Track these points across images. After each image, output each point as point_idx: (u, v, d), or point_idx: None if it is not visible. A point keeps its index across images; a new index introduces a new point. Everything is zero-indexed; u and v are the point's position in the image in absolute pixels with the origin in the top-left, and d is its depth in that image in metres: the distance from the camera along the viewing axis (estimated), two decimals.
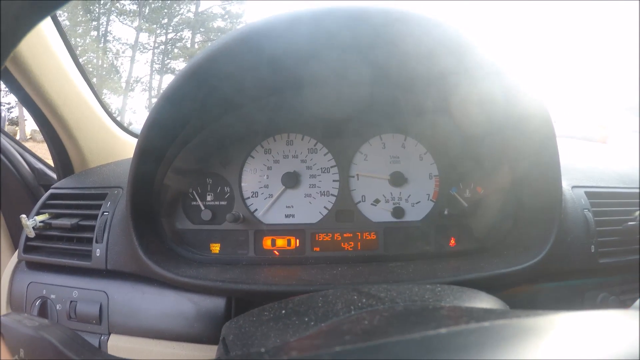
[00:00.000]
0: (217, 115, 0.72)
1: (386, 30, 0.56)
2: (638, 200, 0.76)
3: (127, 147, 0.97)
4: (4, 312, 0.79)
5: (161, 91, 0.60)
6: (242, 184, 0.76)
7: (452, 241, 0.77)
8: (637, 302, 0.44)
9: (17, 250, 0.80)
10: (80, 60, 0.90)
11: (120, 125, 0.97)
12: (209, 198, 0.76)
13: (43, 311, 0.72)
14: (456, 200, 0.78)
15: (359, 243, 0.75)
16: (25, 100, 0.79)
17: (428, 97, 0.72)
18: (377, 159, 0.77)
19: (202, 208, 0.75)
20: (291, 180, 0.75)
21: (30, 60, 0.74)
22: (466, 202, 0.78)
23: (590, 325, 0.25)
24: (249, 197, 0.76)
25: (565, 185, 0.72)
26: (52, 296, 0.73)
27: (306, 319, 0.40)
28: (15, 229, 0.99)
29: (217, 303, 0.65)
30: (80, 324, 0.68)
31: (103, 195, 0.76)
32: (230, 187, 0.76)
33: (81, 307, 0.70)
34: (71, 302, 0.71)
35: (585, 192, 0.72)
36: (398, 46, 0.60)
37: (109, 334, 0.66)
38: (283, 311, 0.44)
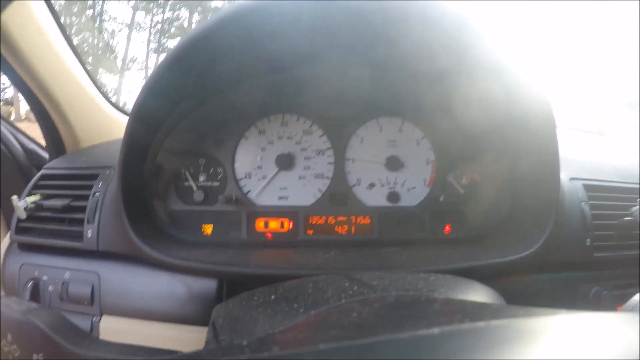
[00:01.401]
0: (212, 94, 0.70)
1: (388, 13, 0.55)
2: (636, 196, 0.75)
3: (120, 126, 0.95)
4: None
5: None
6: (236, 165, 0.75)
7: (447, 228, 0.77)
8: (633, 299, 0.43)
9: (9, 232, 0.79)
10: (75, 39, 0.88)
11: (113, 104, 0.96)
12: (201, 179, 0.75)
13: (35, 293, 0.71)
14: (452, 187, 0.77)
15: (352, 227, 0.74)
16: (14, 79, 0.77)
17: (427, 82, 0.71)
18: (374, 142, 0.76)
19: (195, 189, 0.74)
20: (285, 162, 0.74)
21: (19, 38, 0.72)
22: (462, 189, 0.77)
23: (587, 327, 0.24)
24: (242, 178, 0.75)
25: (564, 176, 0.71)
26: (45, 277, 0.72)
27: (295, 306, 0.39)
28: (8, 211, 0.98)
29: (208, 285, 0.64)
30: (72, 305, 0.67)
31: (95, 175, 0.75)
32: (224, 168, 0.75)
33: (73, 288, 0.69)
34: (63, 283, 0.70)
35: (583, 185, 0.71)
36: (400, 30, 0.59)
37: (101, 315, 0.65)
38: (272, 296, 0.43)
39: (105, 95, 0.93)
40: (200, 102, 0.71)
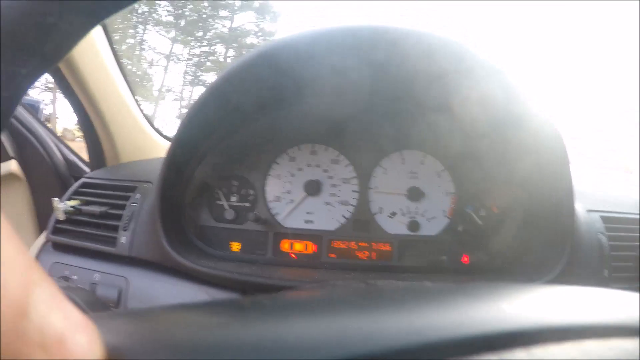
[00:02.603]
0: (247, 122, 0.76)
1: (414, 50, 0.60)
2: None
3: (157, 147, 1.02)
4: None
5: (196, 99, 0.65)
6: (266, 188, 0.79)
7: (465, 257, 0.79)
8: None
9: (46, 231, 0.84)
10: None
11: (152, 126, 1.02)
12: (233, 199, 0.80)
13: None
14: (471, 217, 0.80)
15: (373, 253, 0.78)
16: (70, 96, 0.84)
17: (449, 117, 0.76)
18: (396, 173, 0.80)
19: (226, 208, 0.79)
20: (313, 188, 0.78)
21: (78, 58, 0.79)
22: (481, 221, 0.80)
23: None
24: (271, 201, 0.79)
25: (581, 208, 0.72)
26: (74, 277, 0.77)
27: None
28: (42, 213, 1.04)
29: (230, 297, 0.68)
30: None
31: (133, 187, 0.81)
32: (255, 190, 0.80)
33: (101, 290, 0.74)
34: (91, 284, 0.75)
35: (601, 217, 0.73)
36: (424, 65, 0.64)
37: None
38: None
39: (145, 117, 1.00)
40: (236, 130, 0.77)
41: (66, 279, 0.77)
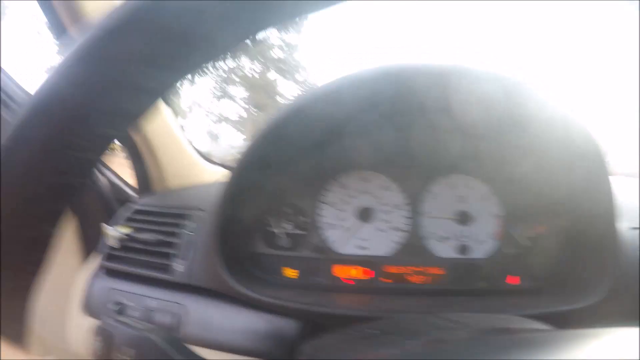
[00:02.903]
0: (304, 153, 0.78)
1: (468, 87, 0.62)
2: None
3: (204, 172, 1.04)
4: (77, 314, 0.85)
5: (252, 129, 0.68)
6: (319, 215, 0.81)
7: (514, 279, 0.81)
8: None
9: (98, 257, 0.86)
10: None
11: (197, 151, 1.04)
12: (287, 226, 0.82)
13: (120, 316, 0.78)
14: (518, 239, 0.82)
15: (426, 277, 0.80)
16: None
17: (492, 141, 0.77)
18: (445, 198, 0.82)
19: (280, 235, 0.81)
20: (365, 215, 0.80)
21: None
22: (527, 242, 0.82)
23: None
24: (325, 228, 0.81)
25: (624, 226, 0.72)
26: (130, 303, 0.79)
27: (396, 338, 0.44)
28: (87, 236, 1.06)
29: (289, 323, 0.70)
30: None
31: (186, 215, 0.83)
32: (308, 217, 0.81)
33: (158, 316, 0.76)
34: (148, 310, 0.77)
35: None
36: (472, 97, 0.66)
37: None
38: (372, 331, 0.49)
39: (190, 142, 1.01)
40: (291, 162, 0.79)
41: (122, 308, 0.79)
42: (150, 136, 0.90)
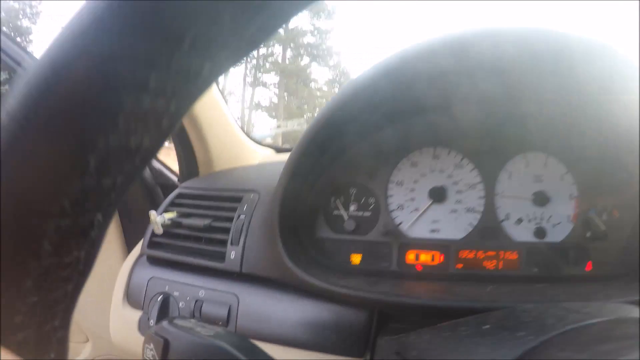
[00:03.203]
0: (372, 131, 0.72)
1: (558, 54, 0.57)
2: None
3: (251, 153, 0.98)
4: (119, 304, 0.81)
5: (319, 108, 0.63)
6: (388, 196, 0.76)
7: (589, 265, 0.76)
8: None
9: (142, 245, 0.82)
10: None
11: (244, 131, 0.99)
12: (352, 208, 0.76)
13: (164, 307, 0.74)
14: (594, 222, 0.77)
15: (500, 262, 0.74)
16: None
17: (572, 116, 0.72)
18: (521, 177, 0.76)
19: (346, 218, 0.76)
20: (438, 195, 0.75)
21: None
22: (603, 225, 0.77)
23: None
24: (394, 210, 0.76)
25: None
26: (175, 293, 0.74)
27: (521, 334, 0.38)
28: (128, 223, 1.01)
29: (357, 315, 0.65)
30: (202, 324, 0.71)
31: (238, 198, 0.78)
32: (376, 199, 0.76)
33: (208, 307, 0.71)
34: (197, 301, 0.72)
35: None
36: (554, 68, 0.60)
37: None
38: (486, 326, 0.43)
39: (242, 123, 0.96)
40: (358, 141, 0.73)
41: (166, 298, 0.74)
42: (198, 115, 0.84)
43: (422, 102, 0.69)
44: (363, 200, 0.76)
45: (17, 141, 0.15)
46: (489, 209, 0.75)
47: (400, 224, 0.75)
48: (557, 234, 0.76)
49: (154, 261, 0.81)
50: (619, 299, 0.60)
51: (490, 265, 0.74)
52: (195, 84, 0.18)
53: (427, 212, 0.75)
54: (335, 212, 0.76)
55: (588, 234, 0.75)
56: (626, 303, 0.57)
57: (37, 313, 0.17)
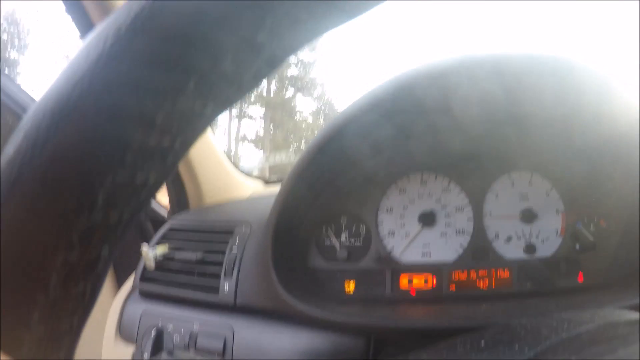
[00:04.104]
0: (360, 158, 0.74)
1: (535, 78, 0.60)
2: None
3: (241, 185, 0.99)
4: (112, 338, 0.79)
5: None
6: (379, 223, 0.77)
7: (580, 275, 0.77)
8: None
9: (133, 279, 0.81)
10: None
11: (233, 163, 1.00)
12: (343, 236, 0.77)
13: (159, 341, 0.73)
14: (582, 234, 0.78)
15: (493, 281, 0.75)
16: None
17: (550, 134, 0.74)
18: (507, 196, 0.78)
19: (338, 247, 0.76)
20: (428, 220, 0.76)
21: None
22: (591, 236, 0.78)
23: None
24: (385, 236, 0.76)
25: None
26: (169, 327, 0.73)
27: (517, 347, 0.39)
28: (119, 256, 0.99)
29: (355, 342, 0.65)
30: (200, 356, 0.69)
31: (230, 231, 0.78)
32: (367, 226, 0.77)
33: (203, 340, 0.71)
34: (191, 334, 0.71)
35: None
36: (534, 91, 0.63)
37: None
38: (482, 343, 0.43)
39: (227, 156, 0.97)
40: (347, 170, 0.75)
41: (160, 332, 0.73)
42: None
43: (407, 130, 0.71)
44: (354, 228, 0.77)
45: (28, 177, 0.16)
46: (479, 230, 0.76)
47: (392, 250, 0.76)
48: (546, 249, 0.77)
49: (147, 295, 0.80)
50: (611, 306, 0.61)
51: (483, 284, 0.75)
52: (199, 122, 0.19)
53: (418, 236, 0.76)
54: (327, 241, 0.77)
55: (577, 246, 0.77)
56: (618, 309, 0.58)
57: (43, 345, 0.17)
